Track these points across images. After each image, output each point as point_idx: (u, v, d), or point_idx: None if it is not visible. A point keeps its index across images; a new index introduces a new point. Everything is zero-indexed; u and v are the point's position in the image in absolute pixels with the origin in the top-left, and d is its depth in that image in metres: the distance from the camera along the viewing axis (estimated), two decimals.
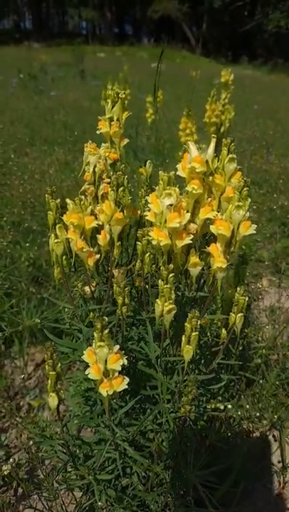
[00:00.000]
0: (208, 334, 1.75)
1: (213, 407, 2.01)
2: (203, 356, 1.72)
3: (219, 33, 41.15)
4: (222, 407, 2.02)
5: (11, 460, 2.45)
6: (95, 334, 1.28)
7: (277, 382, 2.32)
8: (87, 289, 1.62)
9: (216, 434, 1.72)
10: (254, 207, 4.62)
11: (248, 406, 2.12)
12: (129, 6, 48.22)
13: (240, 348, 2.01)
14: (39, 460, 2.32)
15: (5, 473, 2.26)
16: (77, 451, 1.84)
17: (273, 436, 2.43)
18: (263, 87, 18.68)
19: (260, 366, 2.30)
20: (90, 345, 1.60)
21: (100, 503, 1.55)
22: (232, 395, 2.21)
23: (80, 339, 1.70)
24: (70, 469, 1.78)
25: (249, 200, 1.21)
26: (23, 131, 7.00)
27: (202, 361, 1.71)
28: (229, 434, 2.03)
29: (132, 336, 1.69)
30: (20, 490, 2.34)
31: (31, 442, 2.40)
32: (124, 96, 1.41)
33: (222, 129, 4.48)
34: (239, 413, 2.04)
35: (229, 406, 1.95)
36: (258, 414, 2.21)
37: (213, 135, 1.24)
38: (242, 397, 2.26)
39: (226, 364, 2.06)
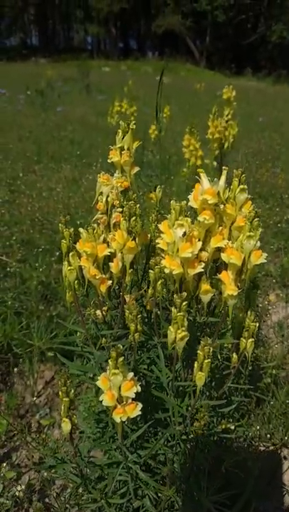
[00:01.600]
0: (219, 357, 1.76)
1: (223, 427, 2.02)
2: (214, 379, 1.74)
3: (223, 45, 41.64)
4: (232, 428, 2.03)
5: (22, 480, 2.46)
6: (110, 362, 1.31)
7: (287, 401, 2.32)
8: (98, 313, 1.65)
9: (229, 457, 1.72)
10: (261, 222, 4.64)
11: (258, 427, 2.12)
12: (133, 21, 49.02)
13: (250, 369, 2.02)
14: (50, 481, 2.33)
15: (17, 494, 2.26)
16: (89, 472, 1.86)
17: (284, 456, 2.42)
18: (267, 98, 18.82)
19: (270, 385, 2.30)
20: (102, 369, 1.63)
21: None
22: (242, 414, 2.21)
23: (90, 361, 1.73)
24: (81, 492, 1.79)
25: (260, 230, 1.24)
26: (30, 148, 7.11)
27: (213, 383, 1.72)
28: (242, 456, 2.03)
29: (144, 359, 1.71)
30: (31, 511, 2.35)
31: (43, 464, 2.41)
32: (134, 127, 1.46)
33: (226, 145, 4.53)
34: (250, 434, 2.04)
35: (240, 427, 1.95)
36: (268, 433, 2.20)
37: (224, 167, 1.28)
38: (252, 416, 2.26)
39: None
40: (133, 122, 1.50)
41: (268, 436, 2.20)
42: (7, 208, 4.30)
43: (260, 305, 3.18)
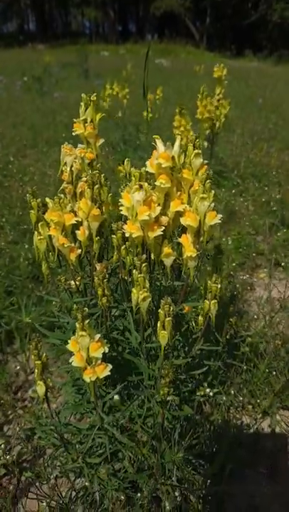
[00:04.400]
0: (192, 323, 1.82)
1: (202, 393, 2.09)
2: (186, 343, 1.80)
3: (223, 26, 40.88)
4: (211, 394, 2.10)
5: (14, 451, 2.56)
6: (77, 324, 1.37)
7: (267, 370, 2.38)
8: (72, 282, 1.71)
9: (204, 418, 1.79)
10: (253, 201, 4.66)
11: (235, 391, 2.19)
12: (131, 3, 48.16)
13: (228, 337, 2.08)
14: (39, 449, 2.42)
15: (8, 462, 2.36)
16: (72, 438, 1.94)
17: (269, 425, 2.48)
18: (268, 79, 18.52)
19: (249, 354, 2.36)
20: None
21: (87, 484, 1.64)
22: (221, 382, 2.27)
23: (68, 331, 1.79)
24: (63, 454, 1.87)
25: (213, 192, 1.28)
26: (25, 134, 7.11)
27: (185, 348, 1.78)
28: (218, 419, 2.10)
29: (117, 326, 1.77)
30: (23, 478, 2.45)
31: (27, 431, 2.50)
32: (95, 99, 1.49)
33: (217, 125, 4.53)
34: (225, 398, 2.11)
35: (217, 391, 2.02)
36: (248, 400, 2.27)
37: (177, 133, 1.31)
38: (231, 384, 2.33)
39: (213, 353, 2.14)
40: (94, 95, 1.54)
41: (249, 402, 2.26)
42: None
43: (244, 278, 3.23)
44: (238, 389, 2.32)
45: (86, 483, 1.71)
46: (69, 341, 1.44)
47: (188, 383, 1.92)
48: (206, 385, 2.01)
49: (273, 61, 29.31)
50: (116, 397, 1.65)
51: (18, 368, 3.14)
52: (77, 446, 1.92)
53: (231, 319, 2.01)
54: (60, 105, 10.11)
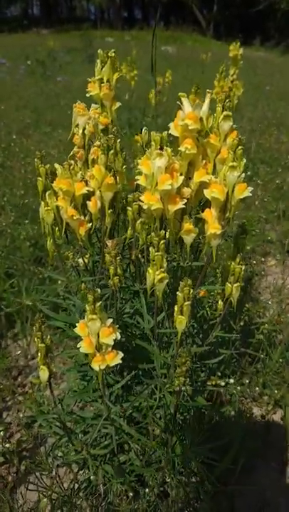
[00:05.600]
0: (207, 308, 1.69)
1: (213, 383, 1.97)
2: (201, 330, 1.67)
3: (230, 14, 40.19)
4: (223, 384, 1.98)
5: (13, 439, 2.45)
6: (87, 307, 1.24)
7: (281, 360, 2.26)
8: (80, 260, 1.57)
9: (216, 410, 1.67)
10: (261, 184, 4.50)
11: (249, 382, 2.07)
12: None
13: (242, 324, 1.95)
14: (39, 438, 2.31)
15: (7, 450, 2.25)
16: (75, 427, 1.82)
17: (279, 414, 2.38)
18: (275, 68, 18.23)
19: (263, 342, 2.23)
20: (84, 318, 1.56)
21: (92, 477, 1.52)
22: (233, 371, 2.15)
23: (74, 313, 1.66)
24: (66, 444, 1.76)
25: (244, 160, 1.14)
26: (28, 116, 6.93)
27: (200, 335, 1.66)
28: (231, 411, 1.98)
29: (128, 309, 1.64)
30: (22, 468, 2.34)
31: (27, 419, 2.39)
32: (113, 55, 1.34)
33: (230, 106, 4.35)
34: (239, 388, 1.99)
35: (231, 381, 1.90)
36: (260, 391, 2.15)
37: (208, 90, 1.17)
38: (244, 374, 2.21)
39: (226, 340, 2.01)
40: (112, 50, 1.39)
41: (261, 393, 2.15)
42: (0, 172, 4.20)
43: (257, 267, 3.10)
44: (250, 379, 2.20)
45: (91, 476, 1.60)
46: (77, 324, 1.31)
47: (200, 372, 1.80)
48: (219, 374, 1.89)
49: (280, 51, 28.85)
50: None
51: (19, 352, 3.03)
52: (80, 435, 1.81)
53: (247, 305, 1.88)
54: (64, 89, 9.89)
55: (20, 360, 3.04)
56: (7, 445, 2.32)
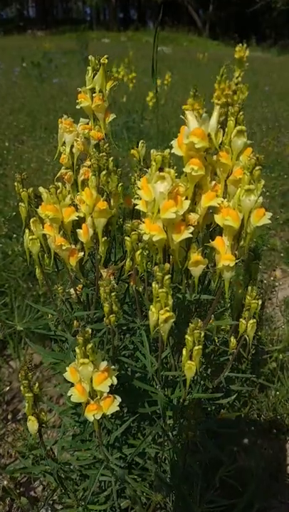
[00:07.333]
0: (216, 340, 1.51)
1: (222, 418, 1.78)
2: (210, 366, 1.49)
3: (226, 14, 40.04)
4: (233, 418, 1.80)
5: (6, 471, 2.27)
6: (77, 349, 1.05)
7: None
8: (72, 291, 1.39)
9: (228, 461, 1.48)
10: (267, 193, 4.32)
11: (263, 417, 1.88)
12: None
13: (253, 353, 1.77)
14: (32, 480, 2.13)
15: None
16: (66, 473, 1.63)
17: None
18: (272, 68, 18.07)
19: (276, 371, 2.05)
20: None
21: None
22: (244, 403, 1.97)
23: (67, 349, 1.48)
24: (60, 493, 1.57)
25: (263, 182, 0.96)
26: (23, 120, 6.75)
27: (208, 371, 1.47)
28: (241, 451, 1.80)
29: (127, 344, 1.46)
30: (14, 506, 2.16)
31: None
32: (106, 61, 1.16)
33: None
34: (253, 428, 1.81)
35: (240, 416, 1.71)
36: (272, 421, 1.97)
37: (216, 101, 0.99)
38: (254, 404, 2.02)
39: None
40: (105, 57, 1.20)
41: (273, 427, 1.96)
42: None
43: (265, 281, 2.91)
44: (264, 409, 2.01)
45: None
46: (67, 368, 1.13)
47: (209, 412, 1.61)
48: (230, 410, 1.70)
49: (277, 51, 28.70)
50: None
51: (12, 371, 2.86)
52: (77, 478, 1.63)
53: (259, 333, 1.70)
54: (60, 91, 9.71)
55: (13, 382, 2.86)
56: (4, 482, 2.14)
